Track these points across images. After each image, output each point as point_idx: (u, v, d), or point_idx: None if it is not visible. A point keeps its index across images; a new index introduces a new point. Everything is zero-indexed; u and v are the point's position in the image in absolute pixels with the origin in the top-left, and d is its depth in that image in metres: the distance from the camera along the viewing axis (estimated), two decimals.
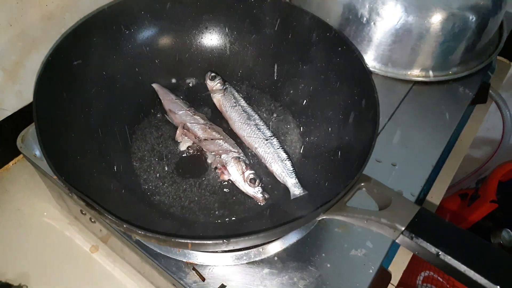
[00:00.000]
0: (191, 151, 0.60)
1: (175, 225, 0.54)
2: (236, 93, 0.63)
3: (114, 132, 0.59)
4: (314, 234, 0.57)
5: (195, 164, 0.59)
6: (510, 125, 1.04)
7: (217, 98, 0.62)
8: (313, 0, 0.76)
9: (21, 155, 0.77)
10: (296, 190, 0.55)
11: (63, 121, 0.53)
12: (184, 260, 0.53)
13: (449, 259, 0.39)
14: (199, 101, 0.65)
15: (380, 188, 0.46)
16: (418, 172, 0.65)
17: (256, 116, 0.61)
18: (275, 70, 0.66)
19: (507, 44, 0.84)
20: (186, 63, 0.67)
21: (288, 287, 0.52)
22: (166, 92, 0.62)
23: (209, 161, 0.58)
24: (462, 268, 0.38)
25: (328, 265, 0.55)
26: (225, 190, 0.57)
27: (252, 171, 0.55)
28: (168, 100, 0.60)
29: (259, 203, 0.55)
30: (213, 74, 0.64)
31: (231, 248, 0.44)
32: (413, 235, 0.41)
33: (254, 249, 0.55)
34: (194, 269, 0.53)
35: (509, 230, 1.08)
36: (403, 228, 0.41)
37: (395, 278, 0.70)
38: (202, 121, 0.59)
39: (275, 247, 0.55)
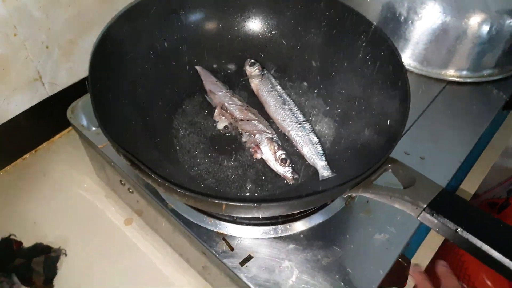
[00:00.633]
0: (228, 130, 0.65)
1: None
2: (273, 79, 0.68)
3: (158, 107, 0.65)
4: (339, 216, 0.62)
5: (231, 142, 0.64)
6: None
7: (255, 83, 0.68)
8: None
9: (66, 130, 0.85)
10: (325, 172, 0.60)
11: (114, 93, 0.59)
12: (215, 230, 0.59)
13: (466, 235, 0.43)
14: (237, 85, 0.71)
15: (405, 169, 0.50)
16: (446, 167, 0.68)
17: (291, 102, 0.66)
18: (313, 61, 0.71)
19: None
20: (228, 49, 0.72)
21: (312, 263, 0.57)
22: (208, 74, 0.68)
23: (243, 139, 0.63)
24: (479, 243, 0.42)
25: (352, 246, 0.59)
26: (257, 168, 0.62)
27: (284, 152, 0.60)
28: (209, 82, 0.67)
29: (289, 182, 0.60)
30: (252, 60, 0.70)
31: (261, 214, 0.49)
32: (434, 212, 0.45)
33: (281, 225, 0.60)
34: (224, 239, 0.59)
35: None
36: (425, 206, 0.45)
37: None
38: (239, 102, 0.65)
39: (301, 226, 0.60)
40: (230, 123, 0.65)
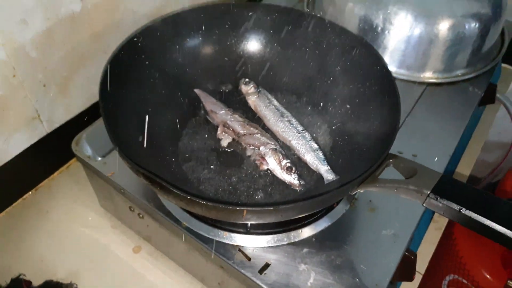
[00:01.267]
0: (232, 146, 0.70)
1: None
2: (269, 94, 0.74)
3: (163, 132, 0.69)
4: (347, 217, 0.66)
5: (237, 157, 0.69)
6: None
7: (252, 100, 0.73)
8: (332, 13, 0.89)
9: (65, 165, 0.87)
10: (329, 175, 0.65)
11: (123, 119, 0.63)
12: (231, 243, 0.62)
13: (469, 213, 0.48)
14: (234, 104, 0.76)
15: (405, 162, 0.56)
16: (437, 160, 0.75)
17: (289, 114, 0.72)
18: (306, 76, 0.78)
19: (509, 49, 0.96)
20: (223, 71, 0.78)
21: (327, 264, 0.61)
22: (207, 95, 0.73)
23: (248, 153, 0.68)
24: (481, 219, 0.48)
25: (362, 244, 0.64)
26: (264, 179, 0.67)
27: (289, 160, 0.65)
28: (209, 102, 0.72)
29: (296, 189, 0.65)
30: (247, 79, 0.75)
31: (279, 217, 0.53)
32: (438, 196, 0.51)
33: (293, 232, 0.64)
34: (240, 250, 0.62)
35: None
36: (428, 192, 0.51)
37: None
38: (240, 118, 0.70)
39: (312, 230, 0.64)
40: (233, 139, 0.70)
